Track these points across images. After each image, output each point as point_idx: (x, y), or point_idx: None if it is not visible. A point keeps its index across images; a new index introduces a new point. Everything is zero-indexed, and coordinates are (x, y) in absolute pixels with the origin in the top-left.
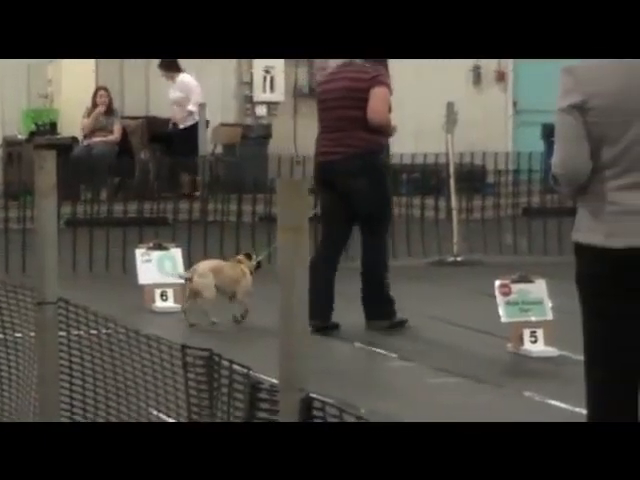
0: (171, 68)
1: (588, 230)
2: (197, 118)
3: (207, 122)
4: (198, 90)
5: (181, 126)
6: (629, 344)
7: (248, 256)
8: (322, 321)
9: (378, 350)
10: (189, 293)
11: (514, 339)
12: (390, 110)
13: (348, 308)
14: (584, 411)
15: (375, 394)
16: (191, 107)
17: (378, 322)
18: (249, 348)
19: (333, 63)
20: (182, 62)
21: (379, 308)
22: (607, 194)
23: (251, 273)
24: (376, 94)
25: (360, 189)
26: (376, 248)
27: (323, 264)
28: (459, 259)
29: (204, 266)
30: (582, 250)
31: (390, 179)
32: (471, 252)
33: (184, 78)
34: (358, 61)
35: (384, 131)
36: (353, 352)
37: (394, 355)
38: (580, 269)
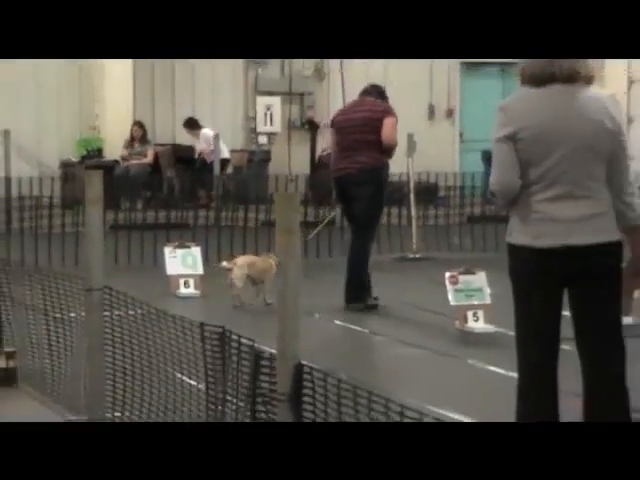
0: (194, 127)
1: (518, 233)
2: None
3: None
4: (211, 137)
5: (208, 160)
6: (550, 322)
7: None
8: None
9: (354, 327)
10: (230, 281)
11: (460, 318)
12: None
13: (331, 292)
14: (515, 374)
15: (352, 362)
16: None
17: (355, 304)
18: (256, 325)
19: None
20: (200, 114)
21: (357, 293)
22: (533, 205)
23: (277, 266)
24: (388, 123)
25: (362, 195)
26: (361, 245)
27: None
28: (418, 256)
29: (242, 260)
30: (514, 249)
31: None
32: (427, 250)
33: (205, 132)
34: (370, 98)
35: (391, 152)
36: (334, 328)
37: (367, 331)
38: (512, 264)
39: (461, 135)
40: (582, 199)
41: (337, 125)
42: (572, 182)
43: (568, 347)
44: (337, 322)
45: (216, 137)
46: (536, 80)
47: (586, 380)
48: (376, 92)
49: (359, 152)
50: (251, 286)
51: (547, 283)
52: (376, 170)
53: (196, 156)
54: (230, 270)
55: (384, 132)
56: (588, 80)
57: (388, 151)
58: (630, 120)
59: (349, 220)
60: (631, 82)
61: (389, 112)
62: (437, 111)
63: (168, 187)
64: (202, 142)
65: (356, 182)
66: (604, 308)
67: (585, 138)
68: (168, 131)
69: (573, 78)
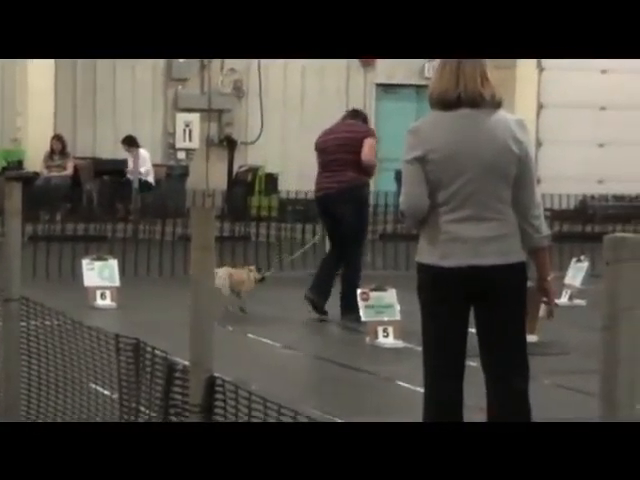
0: (132, 145)
1: (427, 253)
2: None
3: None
4: (148, 158)
5: (143, 179)
6: (455, 339)
7: (258, 269)
8: (317, 300)
9: (266, 340)
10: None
11: (371, 334)
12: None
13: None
14: (422, 389)
15: (263, 375)
16: (144, 169)
17: (350, 315)
18: (173, 337)
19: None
20: (121, 129)
21: (352, 304)
22: (441, 225)
23: (255, 281)
24: (367, 143)
25: (344, 215)
26: (353, 262)
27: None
28: None
29: (222, 272)
30: (422, 268)
31: (369, 209)
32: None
33: (143, 153)
34: (351, 121)
35: (371, 171)
36: (247, 341)
37: (279, 344)
38: (420, 282)
39: (375, 154)
40: (488, 221)
41: (319, 146)
42: (479, 204)
43: (474, 363)
44: (250, 335)
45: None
46: (444, 104)
47: (490, 395)
48: (360, 116)
49: (339, 172)
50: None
51: (453, 301)
52: (356, 188)
53: (128, 173)
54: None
55: (364, 152)
56: (494, 104)
57: (367, 170)
58: (539, 144)
59: (330, 238)
60: (540, 107)
61: (370, 134)
62: None
63: (87, 200)
64: (142, 163)
65: (337, 201)
66: (508, 326)
67: (492, 161)
68: (89, 145)
69: (478, 102)
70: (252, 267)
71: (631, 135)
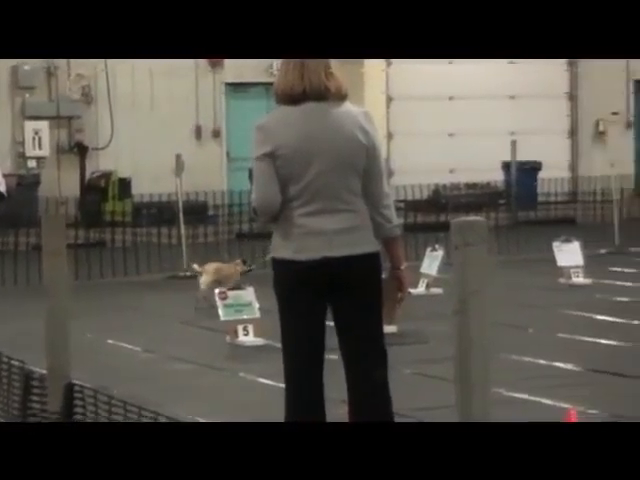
0: None
1: (281, 248)
2: None
3: None
4: None
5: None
6: (314, 332)
7: (244, 261)
8: None
9: (127, 345)
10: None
11: (231, 333)
12: None
13: (103, 312)
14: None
15: (124, 380)
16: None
17: None
18: (30, 347)
19: None
20: None
21: None
22: (295, 219)
23: (241, 274)
24: None
25: None
26: None
27: None
28: (188, 273)
29: (210, 267)
30: (277, 263)
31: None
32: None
33: None
34: None
35: None
36: (107, 347)
37: (139, 348)
38: (276, 278)
39: (228, 154)
40: (341, 212)
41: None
42: (330, 196)
43: (333, 356)
44: (110, 341)
45: None
46: (289, 99)
47: (351, 387)
48: None
49: None
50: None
51: (309, 295)
52: None
53: None
54: (200, 274)
55: None
56: (340, 97)
57: None
58: (390, 136)
59: None
60: (390, 100)
61: None
62: (204, 131)
63: None
64: None
65: None
66: (365, 317)
67: (340, 153)
68: None
69: (324, 95)
70: (238, 261)
71: (480, 124)
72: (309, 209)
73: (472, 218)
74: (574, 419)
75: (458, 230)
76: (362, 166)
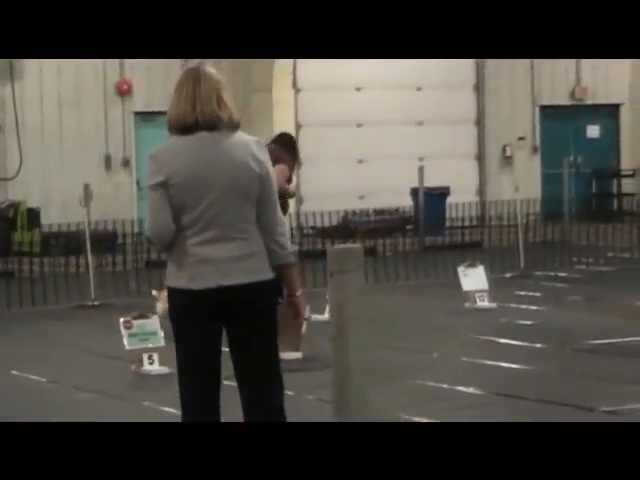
0: None
1: (175, 276)
2: None
3: None
4: None
5: None
6: (209, 360)
7: None
8: None
9: (32, 376)
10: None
11: (136, 362)
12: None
13: (11, 342)
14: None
15: (30, 410)
16: None
17: None
18: None
19: None
20: None
21: None
22: (188, 248)
23: None
24: (276, 170)
25: None
26: None
27: None
28: (96, 303)
29: (164, 294)
30: (172, 292)
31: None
32: (105, 297)
33: None
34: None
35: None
36: (11, 379)
37: (44, 379)
38: (172, 306)
39: (138, 183)
40: (235, 241)
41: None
42: (224, 225)
43: (229, 382)
44: (14, 372)
45: None
46: (182, 128)
47: (245, 412)
48: (279, 140)
49: None
50: None
51: (205, 322)
52: None
53: None
54: (156, 299)
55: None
56: (233, 126)
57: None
58: (300, 163)
59: None
60: (299, 127)
61: (280, 160)
62: (114, 161)
63: None
64: None
65: None
66: (261, 344)
67: (233, 182)
68: None
69: (216, 125)
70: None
71: (388, 150)
72: (203, 238)
73: (348, 245)
74: None
75: (334, 257)
76: (256, 194)
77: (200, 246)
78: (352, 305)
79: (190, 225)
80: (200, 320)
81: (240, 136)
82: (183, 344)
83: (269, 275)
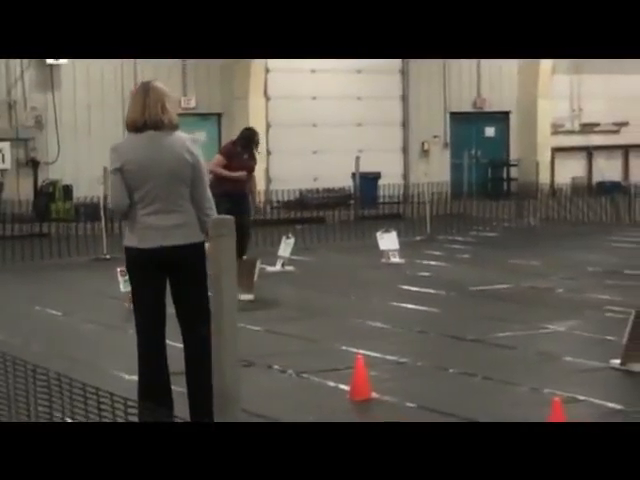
0: None
1: (129, 238)
2: None
3: None
4: None
5: None
6: (156, 301)
7: None
8: None
9: (50, 311)
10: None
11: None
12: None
13: None
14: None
15: (49, 336)
16: None
17: None
18: None
19: None
20: None
21: None
22: (138, 218)
23: None
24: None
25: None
26: None
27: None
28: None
29: None
30: (127, 249)
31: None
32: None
33: None
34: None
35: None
36: (34, 313)
37: (60, 313)
38: (127, 260)
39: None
40: (173, 212)
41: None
42: (165, 200)
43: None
44: (37, 307)
45: None
46: (134, 128)
47: (184, 341)
48: (240, 134)
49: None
50: None
51: (150, 272)
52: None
53: None
54: None
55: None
56: (172, 127)
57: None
58: (269, 153)
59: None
60: (269, 126)
61: (220, 152)
62: None
63: None
64: None
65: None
66: (194, 288)
67: (171, 169)
68: None
69: (159, 126)
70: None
71: (336, 144)
72: (149, 210)
73: (223, 216)
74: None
75: (213, 225)
76: (189, 178)
77: (147, 216)
78: (225, 260)
79: (139, 200)
80: (147, 271)
81: (178, 135)
82: (137, 292)
83: (199, 239)
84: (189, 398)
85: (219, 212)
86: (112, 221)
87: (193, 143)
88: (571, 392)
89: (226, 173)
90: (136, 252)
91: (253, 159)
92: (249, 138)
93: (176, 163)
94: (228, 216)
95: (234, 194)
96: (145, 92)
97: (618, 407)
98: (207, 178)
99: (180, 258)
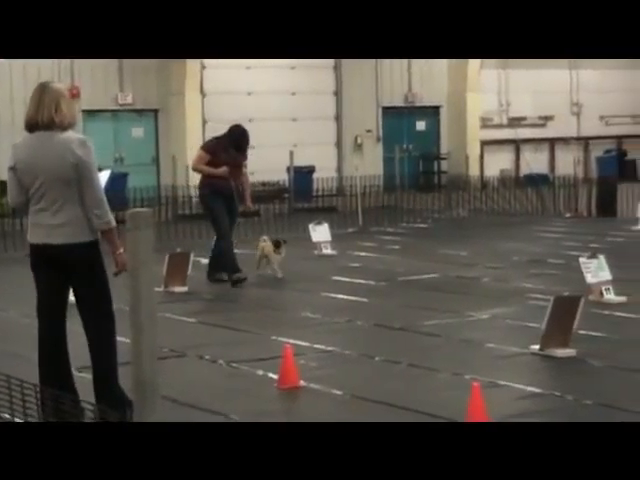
0: None
1: (29, 234)
2: None
3: None
4: None
5: None
6: (55, 300)
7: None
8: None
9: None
10: None
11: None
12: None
13: None
14: None
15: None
16: None
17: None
18: None
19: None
20: None
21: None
22: (30, 214)
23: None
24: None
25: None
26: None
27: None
28: None
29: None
30: (30, 246)
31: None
32: None
33: None
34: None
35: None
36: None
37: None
38: (31, 257)
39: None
40: (58, 212)
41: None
42: (51, 200)
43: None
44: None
45: None
46: (29, 127)
47: (87, 335)
48: (228, 130)
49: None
50: None
51: (42, 268)
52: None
53: None
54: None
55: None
56: (63, 127)
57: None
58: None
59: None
60: (205, 122)
61: (201, 147)
62: None
63: None
64: None
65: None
66: (88, 288)
67: (55, 169)
68: None
69: (50, 126)
70: (265, 237)
71: (271, 138)
72: (36, 208)
73: (141, 209)
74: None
75: (130, 218)
76: (72, 179)
77: (35, 213)
78: (143, 253)
79: (31, 198)
80: (39, 266)
81: (66, 135)
82: (37, 287)
83: (87, 237)
84: (93, 375)
85: (215, 211)
86: None
87: (81, 144)
88: (492, 377)
89: (208, 170)
90: (30, 247)
91: (243, 154)
92: (236, 136)
93: (58, 163)
94: (145, 209)
95: (224, 190)
96: (42, 92)
97: (537, 390)
98: (97, 178)
99: (68, 257)
